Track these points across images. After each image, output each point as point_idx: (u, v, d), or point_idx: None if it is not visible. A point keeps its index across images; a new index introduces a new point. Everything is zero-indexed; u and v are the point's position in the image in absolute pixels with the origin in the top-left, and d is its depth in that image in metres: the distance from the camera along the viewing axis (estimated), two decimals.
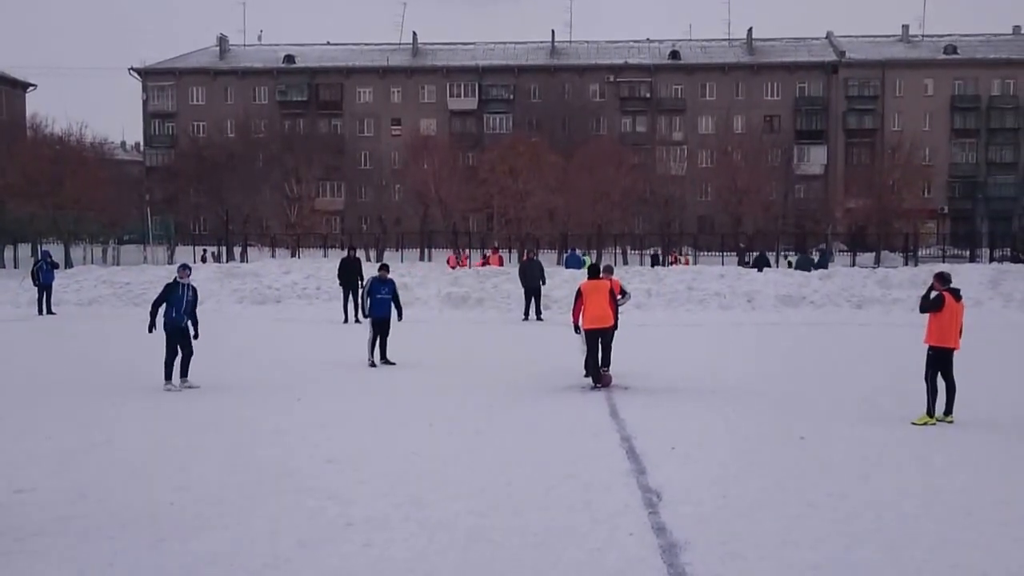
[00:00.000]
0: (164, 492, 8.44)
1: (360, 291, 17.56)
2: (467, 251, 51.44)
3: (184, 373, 14.45)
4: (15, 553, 6.83)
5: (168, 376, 14.29)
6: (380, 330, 17.12)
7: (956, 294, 11.67)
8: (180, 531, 7.34)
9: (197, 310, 14.71)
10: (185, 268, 14.89)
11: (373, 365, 16.81)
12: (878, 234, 63.17)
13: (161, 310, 14.39)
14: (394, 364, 16.91)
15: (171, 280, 14.70)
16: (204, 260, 49.17)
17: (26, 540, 7.10)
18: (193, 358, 14.59)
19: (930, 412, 11.43)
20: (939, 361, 11.56)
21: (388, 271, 17.94)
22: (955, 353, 11.68)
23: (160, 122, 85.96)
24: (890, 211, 66.32)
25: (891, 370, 16.02)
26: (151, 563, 6.66)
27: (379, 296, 17.18)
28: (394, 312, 17.39)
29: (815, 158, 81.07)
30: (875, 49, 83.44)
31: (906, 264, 49.21)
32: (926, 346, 11.73)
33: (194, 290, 14.69)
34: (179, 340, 14.34)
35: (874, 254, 60.50)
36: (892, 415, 11.95)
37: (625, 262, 57.88)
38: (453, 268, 35.00)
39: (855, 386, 14.55)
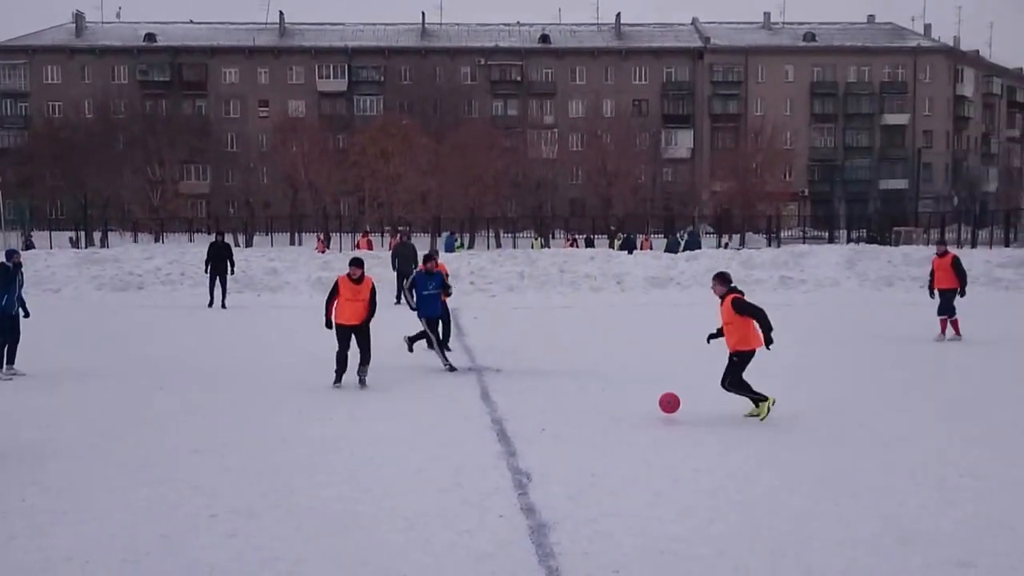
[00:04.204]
0: (15, 487, 8.08)
1: (405, 286, 15.37)
2: (321, 236, 50.61)
3: (11, 359, 14.07)
4: None
5: (0, 363, 13.86)
6: (434, 328, 15.00)
7: (740, 292, 10.92)
8: (33, 528, 7.03)
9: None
10: (16, 252, 14.73)
11: (452, 369, 14.49)
12: (743, 216, 65.09)
13: None
14: (450, 350, 15.29)
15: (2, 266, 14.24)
16: (28, 247, 44.66)
17: None
18: (24, 344, 14.31)
19: (760, 399, 10.73)
20: (744, 365, 10.75)
21: (436, 262, 15.51)
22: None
23: (12, 102, 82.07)
24: (754, 194, 68.44)
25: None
26: (2, 562, 6.37)
27: (426, 292, 14.79)
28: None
29: (682, 142, 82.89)
30: (738, 35, 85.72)
31: (769, 245, 50.86)
32: (730, 353, 10.86)
33: (23, 274, 14.67)
34: (8, 326, 13.93)
35: (738, 236, 62.27)
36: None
37: (498, 245, 58.10)
38: (322, 253, 34.66)
39: (720, 364, 14.92)
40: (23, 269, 14.75)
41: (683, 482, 8.17)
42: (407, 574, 6.14)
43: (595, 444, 9.58)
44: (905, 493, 7.82)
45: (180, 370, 14.58)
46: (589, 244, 43.52)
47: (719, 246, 49.30)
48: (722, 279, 10.94)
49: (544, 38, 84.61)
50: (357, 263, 13.23)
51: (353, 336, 13.04)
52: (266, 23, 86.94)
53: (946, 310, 17.81)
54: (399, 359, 15.57)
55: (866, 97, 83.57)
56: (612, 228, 56.63)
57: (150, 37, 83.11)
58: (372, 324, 13.16)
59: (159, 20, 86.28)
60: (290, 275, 28.70)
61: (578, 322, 21.90)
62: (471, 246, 55.70)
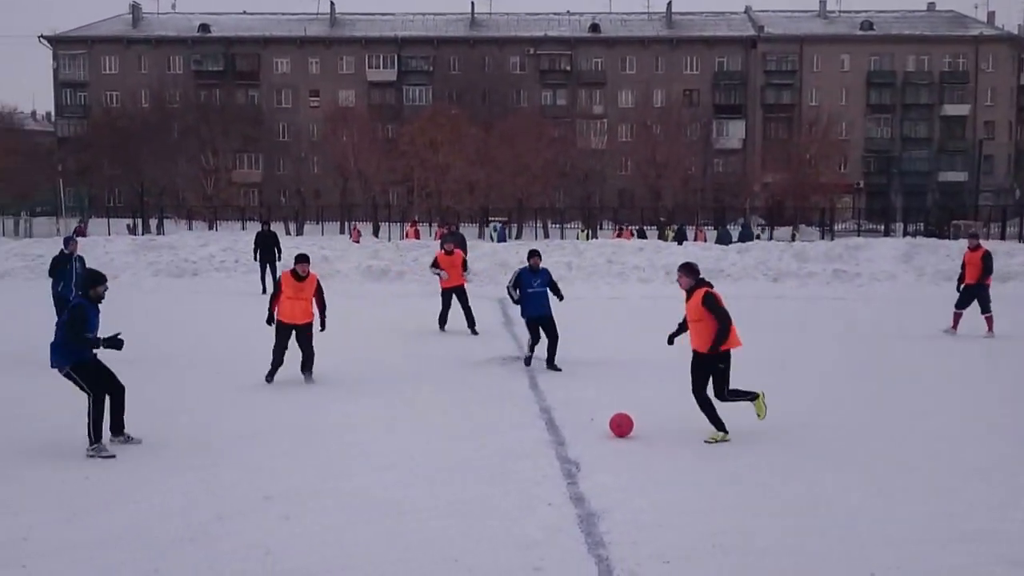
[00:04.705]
0: (79, 467, 8.29)
1: (508, 284, 14.12)
2: (355, 226, 51.34)
3: None
4: None
5: None
6: (543, 328, 13.79)
7: (710, 285, 9.81)
8: (95, 506, 7.23)
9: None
10: (72, 240, 15.11)
11: (529, 363, 13.89)
12: (795, 208, 64.30)
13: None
14: (560, 370, 13.57)
15: (58, 254, 14.56)
16: (82, 234, 45.03)
17: None
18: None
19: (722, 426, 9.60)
20: (729, 367, 9.62)
21: (540, 258, 14.25)
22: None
23: (72, 91, 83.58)
24: (807, 185, 67.49)
25: (802, 342, 16.36)
26: (65, 537, 6.55)
27: (531, 290, 13.74)
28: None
29: (734, 132, 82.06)
30: (793, 24, 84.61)
31: (822, 238, 50.25)
32: (716, 353, 9.55)
33: (82, 261, 14.86)
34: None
35: (791, 228, 61.55)
36: (810, 387, 12.20)
37: (546, 235, 58.00)
38: (357, 243, 34.84)
39: (769, 358, 14.83)
40: (82, 256, 15.02)
41: (734, 475, 8.14)
42: (456, 560, 6.19)
43: (645, 435, 9.56)
44: (964, 491, 7.71)
45: (232, 355, 14.76)
46: (641, 235, 43.26)
47: (770, 238, 48.87)
48: (689, 270, 9.72)
49: (594, 27, 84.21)
50: (303, 259, 12.66)
51: (295, 336, 12.57)
52: (317, 13, 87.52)
53: (966, 304, 17.36)
54: (447, 348, 15.66)
55: (925, 87, 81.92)
56: (662, 220, 56.30)
57: (204, 28, 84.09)
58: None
59: (213, 11, 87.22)
60: (340, 263, 28.91)
61: (626, 313, 21.83)
62: (519, 236, 55.72)
